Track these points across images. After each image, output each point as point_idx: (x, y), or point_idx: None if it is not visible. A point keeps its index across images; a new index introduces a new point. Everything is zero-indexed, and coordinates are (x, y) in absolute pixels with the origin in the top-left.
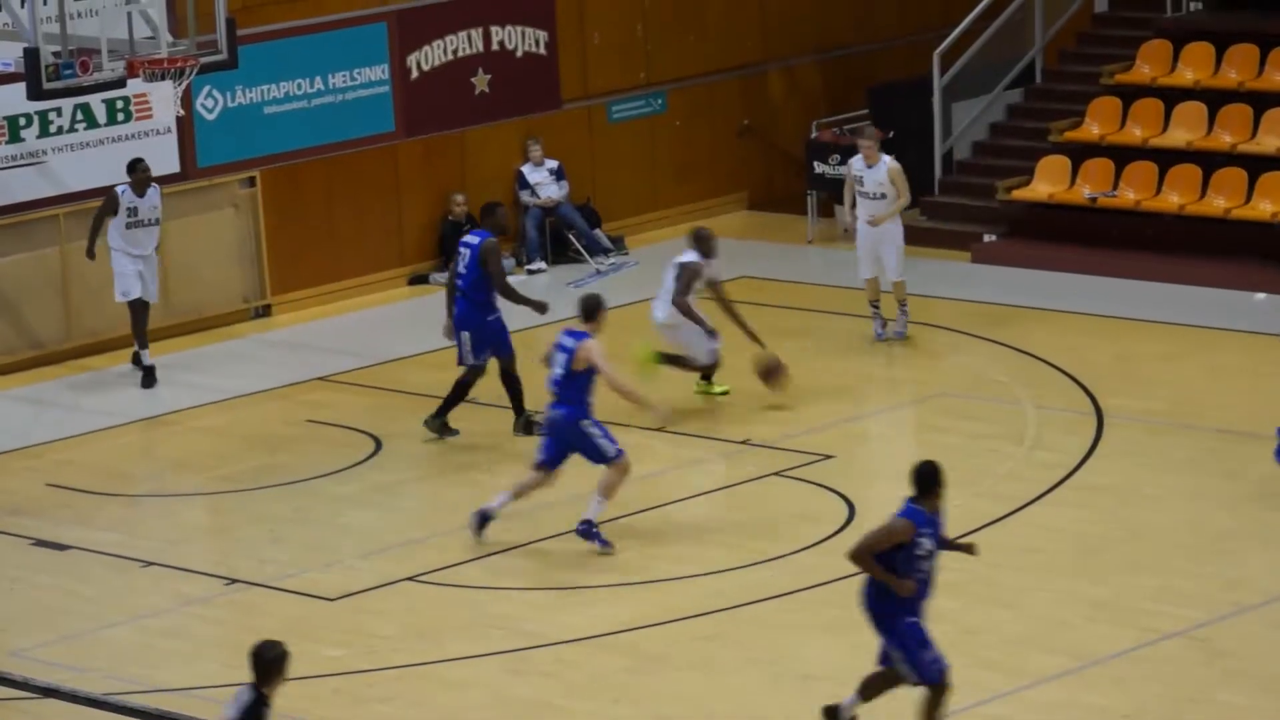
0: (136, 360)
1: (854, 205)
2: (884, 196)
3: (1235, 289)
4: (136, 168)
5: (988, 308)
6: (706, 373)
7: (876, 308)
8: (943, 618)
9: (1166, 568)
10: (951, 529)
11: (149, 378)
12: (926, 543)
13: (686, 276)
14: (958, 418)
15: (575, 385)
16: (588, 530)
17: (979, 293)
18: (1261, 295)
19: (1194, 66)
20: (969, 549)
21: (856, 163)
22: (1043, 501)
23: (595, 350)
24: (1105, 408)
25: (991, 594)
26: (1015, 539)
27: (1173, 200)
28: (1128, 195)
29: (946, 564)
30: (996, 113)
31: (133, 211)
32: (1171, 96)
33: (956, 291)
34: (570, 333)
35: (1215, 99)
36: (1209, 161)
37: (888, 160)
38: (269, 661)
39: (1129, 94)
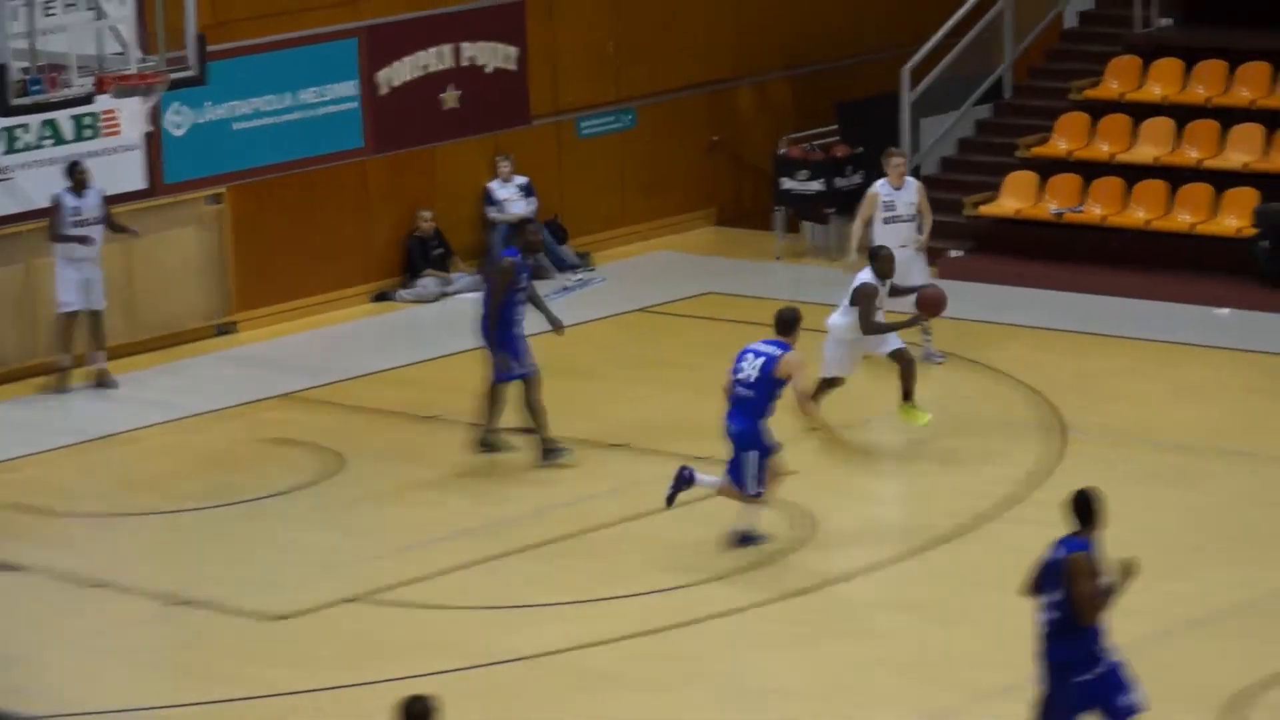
0: (101, 378)
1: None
2: (914, 218)
3: (1200, 304)
4: (75, 169)
5: (953, 323)
6: (907, 390)
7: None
8: (892, 633)
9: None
10: (912, 545)
11: (63, 383)
12: (1104, 576)
13: (864, 303)
14: (921, 433)
15: (764, 393)
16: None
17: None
18: (1225, 310)
19: (1162, 82)
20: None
21: (882, 186)
22: (1004, 518)
23: (798, 362)
24: (1069, 423)
25: (949, 611)
26: (976, 555)
27: (1139, 215)
28: (1094, 210)
29: (901, 580)
30: (965, 128)
31: (76, 211)
32: (1139, 112)
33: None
34: (769, 341)
35: (1183, 114)
36: (1176, 177)
37: (914, 180)
38: (417, 716)
39: (1097, 109)
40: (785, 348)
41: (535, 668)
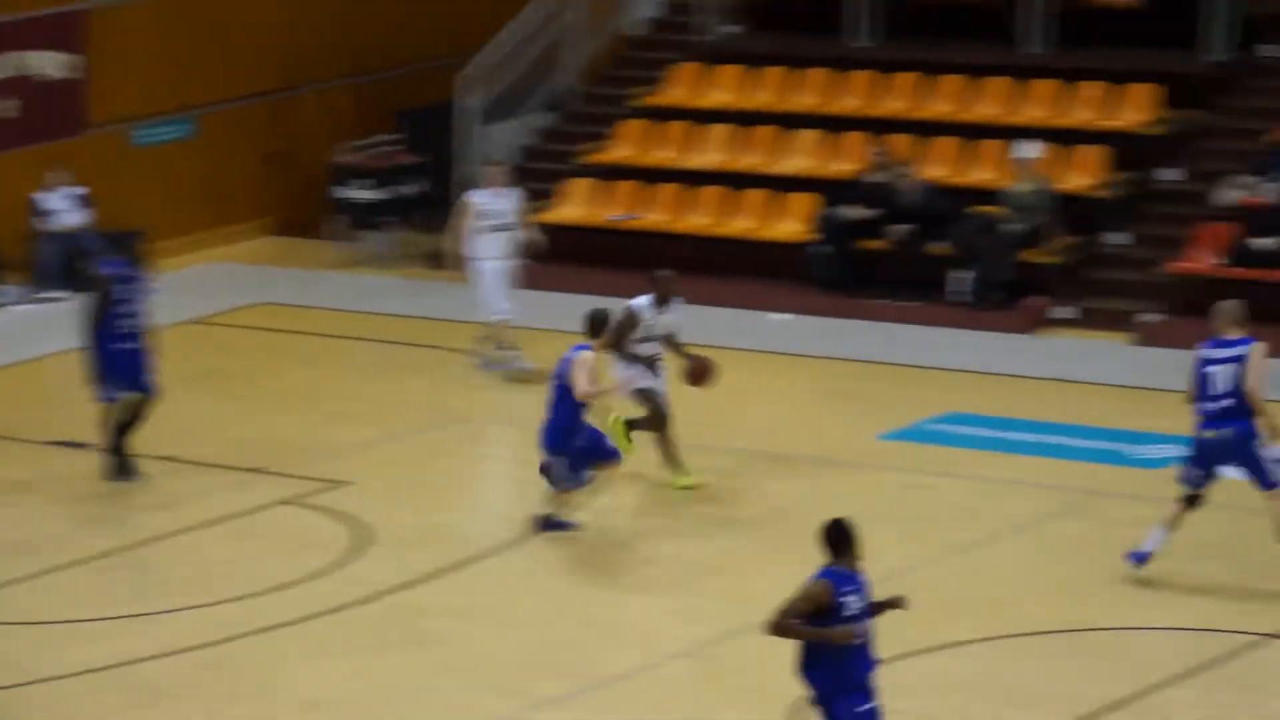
0: None
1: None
2: (515, 227)
3: (759, 309)
4: None
5: (517, 332)
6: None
7: (504, 349)
8: (449, 640)
9: (679, 587)
10: (464, 554)
11: None
12: (853, 601)
13: (622, 322)
14: (474, 442)
15: (560, 395)
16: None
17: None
18: (780, 315)
19: (724, 89)
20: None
21: (481, 195)
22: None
23: (580, 361)
24: (633, 434)
25: (501, 617)
26: (527, 563)
27: (699, 221)
28: (654, 217)
29: (460, 588)
30: (530, 136)
31: None
32: (702, 118)
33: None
34: (577, 346)
35: (744, 121)
36: (737, 183)
37: (513, 189)
38: None
39: (659, 116)
40: (585, 349)
41: (87, 683)
